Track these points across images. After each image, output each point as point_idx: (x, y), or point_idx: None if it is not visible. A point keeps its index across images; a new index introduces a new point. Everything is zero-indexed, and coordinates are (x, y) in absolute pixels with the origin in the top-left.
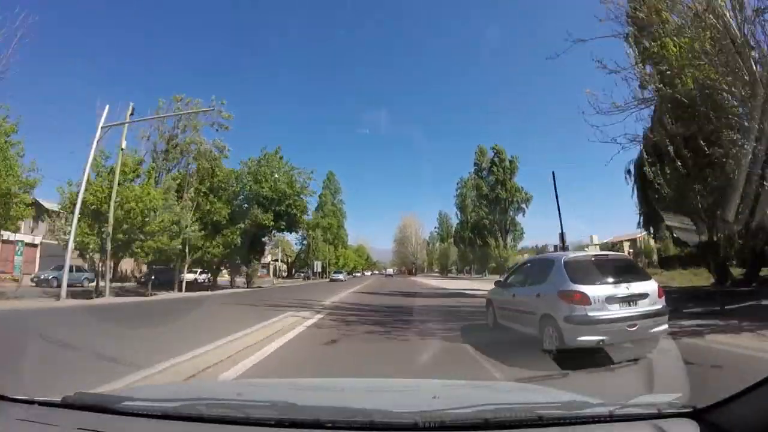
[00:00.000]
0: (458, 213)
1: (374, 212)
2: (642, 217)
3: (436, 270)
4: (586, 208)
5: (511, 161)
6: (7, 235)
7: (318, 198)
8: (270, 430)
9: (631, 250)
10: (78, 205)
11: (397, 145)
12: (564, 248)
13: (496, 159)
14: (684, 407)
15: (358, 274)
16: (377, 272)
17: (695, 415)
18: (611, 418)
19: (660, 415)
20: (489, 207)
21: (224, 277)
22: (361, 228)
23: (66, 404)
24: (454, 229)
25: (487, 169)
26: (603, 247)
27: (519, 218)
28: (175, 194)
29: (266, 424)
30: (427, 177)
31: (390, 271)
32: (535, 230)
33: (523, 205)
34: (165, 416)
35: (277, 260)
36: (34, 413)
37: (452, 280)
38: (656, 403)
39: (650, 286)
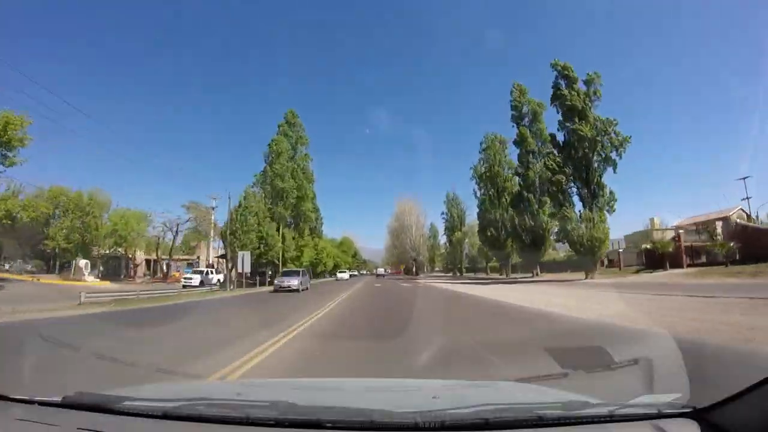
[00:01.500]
0: (479, 188)
1: (365, 210)
2: None
3: (438, 268)
4: (640, 190)
5: (588, 81)
6: None
7: (267, 147)
8: (270, 430)
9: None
10: None
11: (394, 136)
12: None
13: (561, 82)
14: (684, 407)
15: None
16: (366, 272)
17: (695, 415)
18: (611, 418)
19: (660, 415)
20: (562, 154)
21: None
22: (351, 229)
23: (66, 404)
24: (476, 211)
25: (530, 115)
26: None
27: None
28: None
29: (266, 424)
30: (425, 169)
31: (381, 270)
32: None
33: (614, 155)
34: (165, 416)
35: (221, 257)
36: (34, 413)
37: (502, 286)
38: (656, 403)
39: None
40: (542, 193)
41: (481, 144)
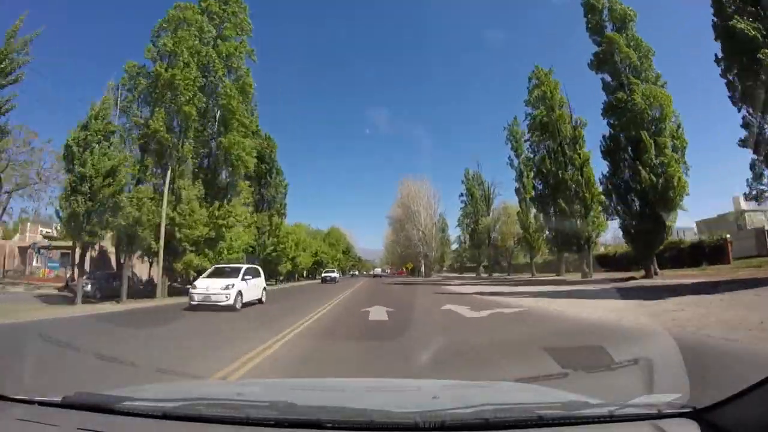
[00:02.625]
0: (516, 155)
1: (364, 208)
2: None
3: (444, 268)
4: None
5: None
6: None
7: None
8: (270, 430)
9: None
10: None
11: (394, 134)
12: None
13: None
14: (684, 407)
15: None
16: (357, 272)
17: (695, 415)
18: (611, 418)
19: (660, 415)
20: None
21: None
22: (348, 228)
23: (66, 404)
24: (514, 186)
25: (615, 23)
26: None
27: None
28: None
29: (266, 424)
30: (427, 166)
31: (378, 270)
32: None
33: None
34: (165, 416)
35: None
36: (34, 413)
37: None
38: (656, 403)
39: None
40: (659, 132)
41: (529, 81)
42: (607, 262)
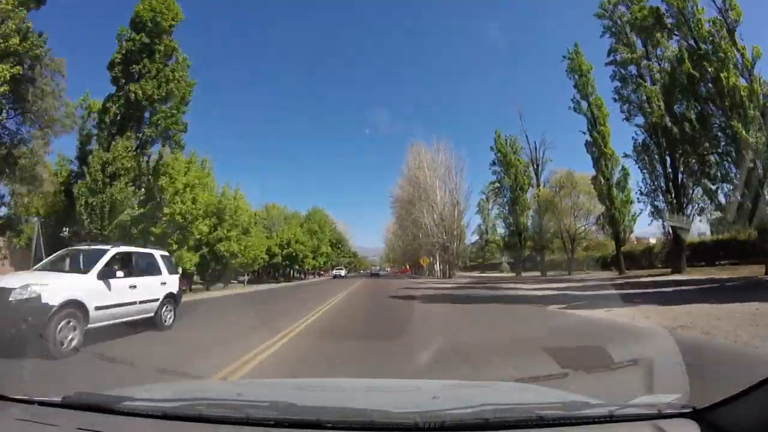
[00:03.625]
0: (584, 94)
1: (364, 207)
2: None
3: (458, 265)
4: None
5: None
6: None
7: None
8: (270, 431)
9: None
10: None
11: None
12: None
13: None
14: (684, 407)
15: None
16: (342, 274)
17: (695, 415)
18: (611, 419)
19: (660, 416)
20: None
21: None
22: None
23: (66, 404)
24: (587, 139)
25: None
26: None
27: None
28: None
29: (266, 424)
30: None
31: (377, 269)
32: None
33: None
34: (165, 416)
35: None
36: (33, 413)
37: None
38: (656, 403)
39: None
40: None
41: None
42: (701, 253)
